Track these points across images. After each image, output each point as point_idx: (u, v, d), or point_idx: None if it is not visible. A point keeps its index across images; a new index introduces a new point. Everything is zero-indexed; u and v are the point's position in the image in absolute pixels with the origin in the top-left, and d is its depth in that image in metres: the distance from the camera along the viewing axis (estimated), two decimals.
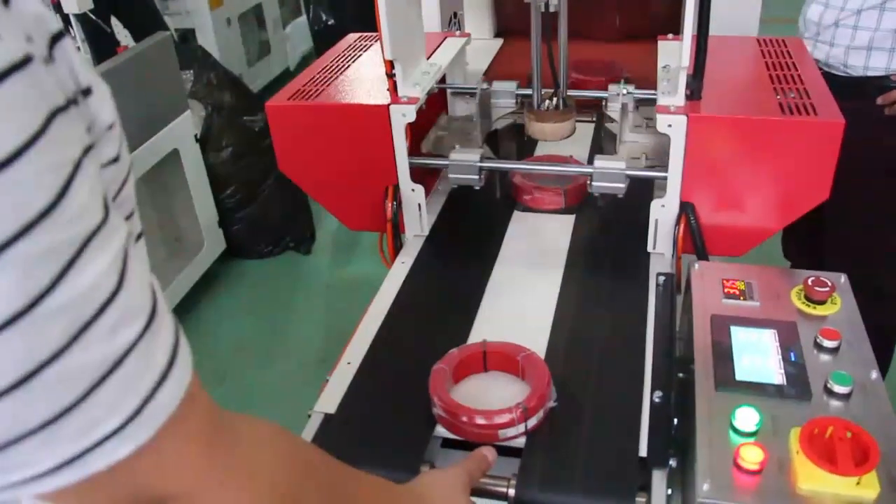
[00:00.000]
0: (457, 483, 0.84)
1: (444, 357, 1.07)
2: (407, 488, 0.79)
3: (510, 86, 1.63)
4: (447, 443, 1.04)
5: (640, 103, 1.54)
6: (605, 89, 1.56)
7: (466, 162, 1.38)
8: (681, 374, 1.07)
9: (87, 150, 0.40)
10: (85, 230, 0.38)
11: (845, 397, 0.90)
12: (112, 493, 0.43)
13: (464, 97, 1.67)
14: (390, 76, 1.34)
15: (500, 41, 2.06)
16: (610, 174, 1.31)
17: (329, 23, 3.86)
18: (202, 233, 3.04)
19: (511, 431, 0.97)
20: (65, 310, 0.37)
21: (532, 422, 0.98)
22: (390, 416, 1.06)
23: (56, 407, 0.38)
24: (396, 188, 1.40)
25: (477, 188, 1.40)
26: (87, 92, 0.43)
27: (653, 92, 1.53)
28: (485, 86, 1.55)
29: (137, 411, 0.41)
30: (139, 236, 0.51)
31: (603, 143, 1.70)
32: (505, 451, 0.98)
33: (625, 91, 1.48)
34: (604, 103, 1.58)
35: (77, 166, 0.38)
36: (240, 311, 3.07)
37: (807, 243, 2.01)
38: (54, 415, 0.38)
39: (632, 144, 1.53)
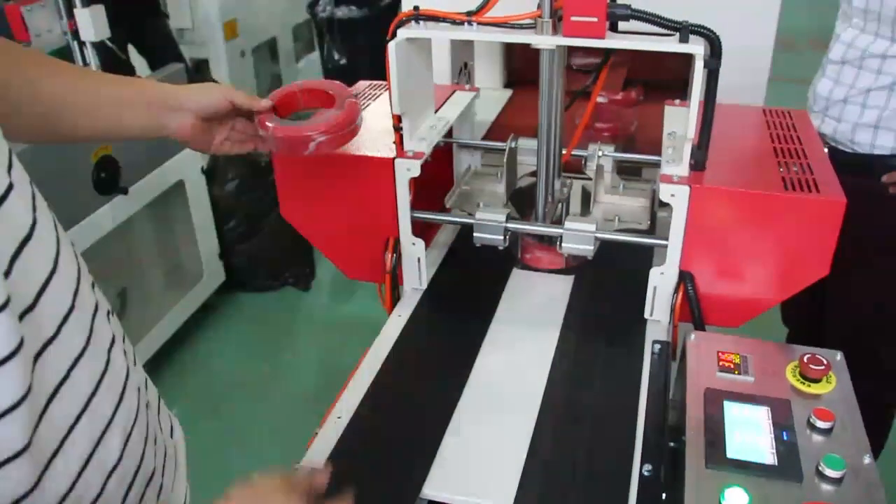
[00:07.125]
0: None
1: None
2: None
3: (535, 143, 1.61)
4: None
5: (619, 164, 1.55)
6: (586, 148, 1.55)
7: (492, 222, 1.36)
8: (672, 444, 1.06)
9: None
10: None
11: (837, 482, 0.89)
12: None
13: (469, 150, 1.68)
14: (397, 129, 1.35)
15: (509, 92, 2.08)
16: (579, 236, 1.31)
17: (342, 62, 3.90)
18: (202, 263, 3.04)
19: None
20: None
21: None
22: (378, 475, 1.05)
23: None
24: (397, 241, 1.40)
25: (500, 248, 1.38)
26: None
27: (630, 156, 1.55)
28: (513, 144, 1.54)
29: None
30: None
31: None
32: None
33: (601, 152, 1.48)
34: (583, 161, 1.56)
35: None
36: (236, 344, 3.07)
37: (806, 312, 2.01)
38: None
39: (606, 206, 1.53)
